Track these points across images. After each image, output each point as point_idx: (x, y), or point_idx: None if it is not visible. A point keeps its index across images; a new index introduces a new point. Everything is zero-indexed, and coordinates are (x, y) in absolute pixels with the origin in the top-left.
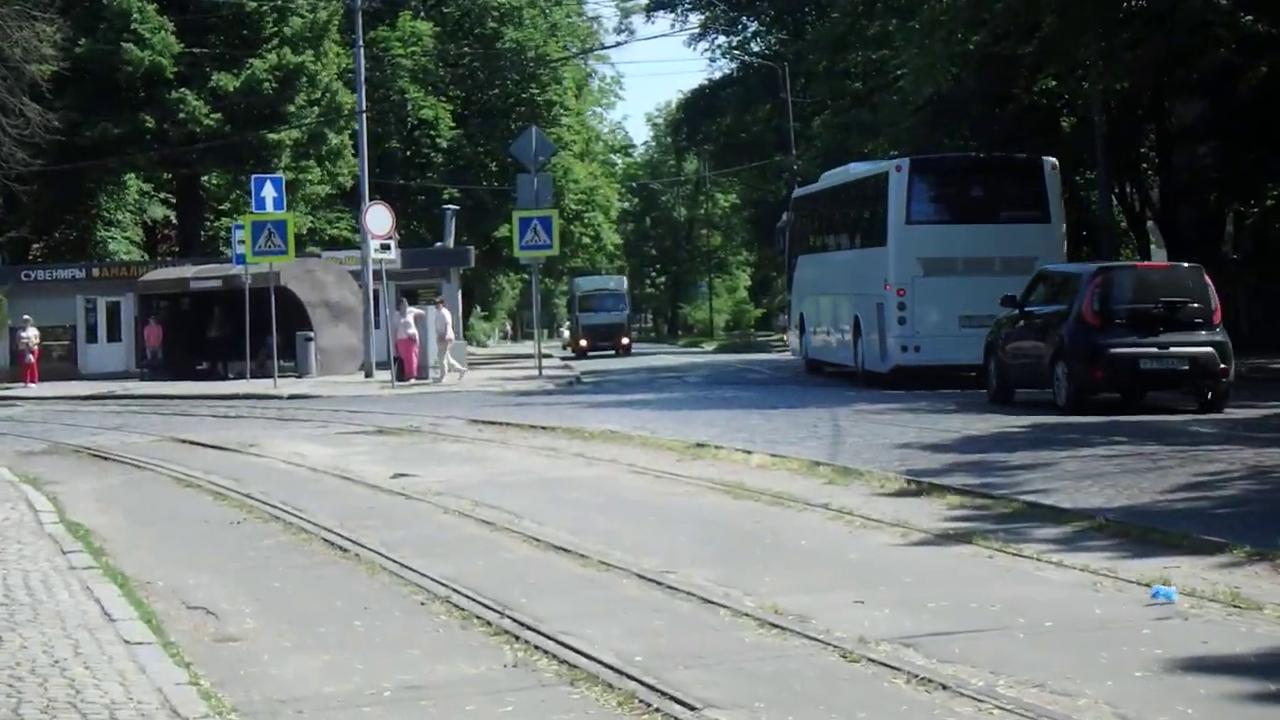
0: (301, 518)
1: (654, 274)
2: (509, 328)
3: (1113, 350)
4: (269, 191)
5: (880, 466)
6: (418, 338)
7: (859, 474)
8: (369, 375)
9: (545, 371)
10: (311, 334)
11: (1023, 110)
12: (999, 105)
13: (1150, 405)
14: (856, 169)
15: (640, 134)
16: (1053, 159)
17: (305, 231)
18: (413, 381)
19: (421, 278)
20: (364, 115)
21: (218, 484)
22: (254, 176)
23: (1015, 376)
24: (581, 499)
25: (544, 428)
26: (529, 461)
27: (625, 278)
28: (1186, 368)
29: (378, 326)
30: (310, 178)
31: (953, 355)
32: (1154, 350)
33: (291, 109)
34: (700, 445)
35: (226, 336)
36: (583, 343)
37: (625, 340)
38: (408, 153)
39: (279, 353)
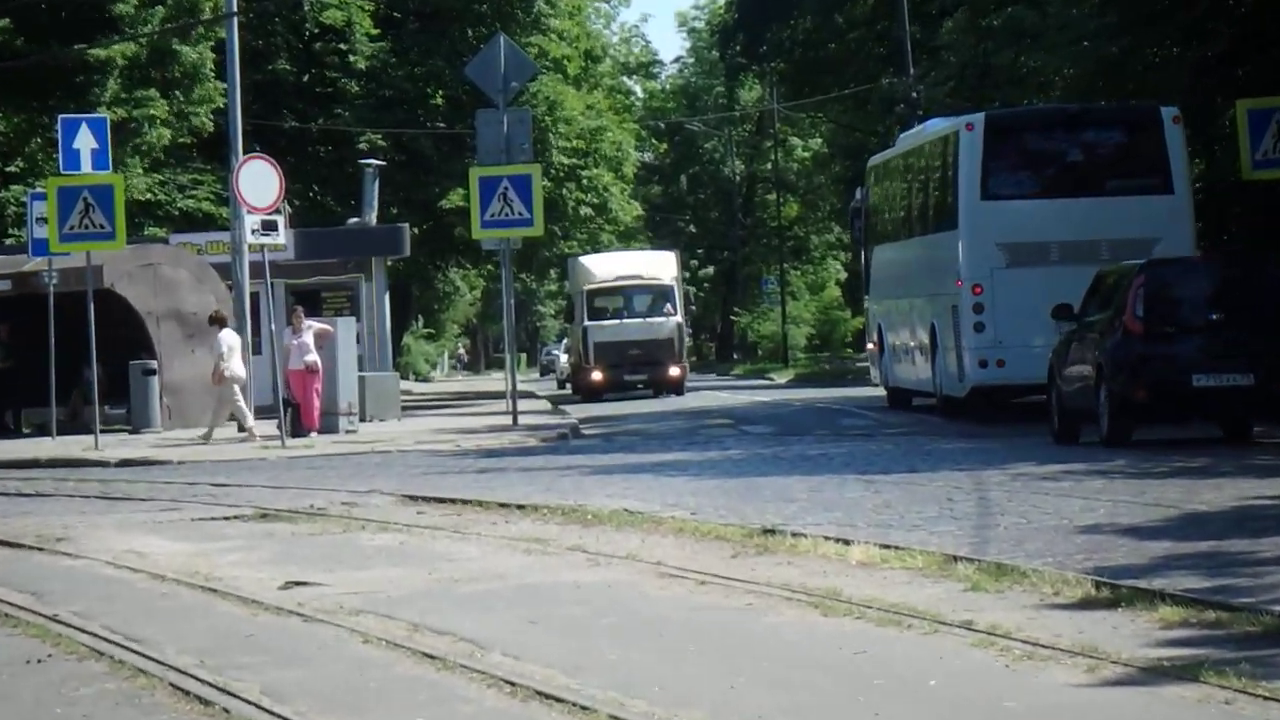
0: (139, 652)
1: (694, 265)
2: (463, 352)
3: (1160, 363)
4: (85, 140)
5: (1054, 562)
6: (320, 367)
7: (1020, 574)
8: (244, 428)
9: (523, 419)
10: (154, 364)
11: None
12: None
13: None
14: (933, 126)
15: (670, 45)
16: (1174, 108)
17: (144, 202)
18: (313, 435)
19: (327, 273)
20: (235, 17)
21: (5, 601)
22: (61, 117)
23: (1073, 408)
24: (582, 619)
25: (522, 506)
26: (499, 560)
27: (674, 255)
28: (1251, 381)
29: (258, 351)
30: (151, 114)
31: (1045, 371)
32: (1210, 363)
33: (121, 8)
34: (769, 532)
35: (18, 369)
36: (596, 376)
37: (675, 370)
38: (305, 77)
39: (103, 394)
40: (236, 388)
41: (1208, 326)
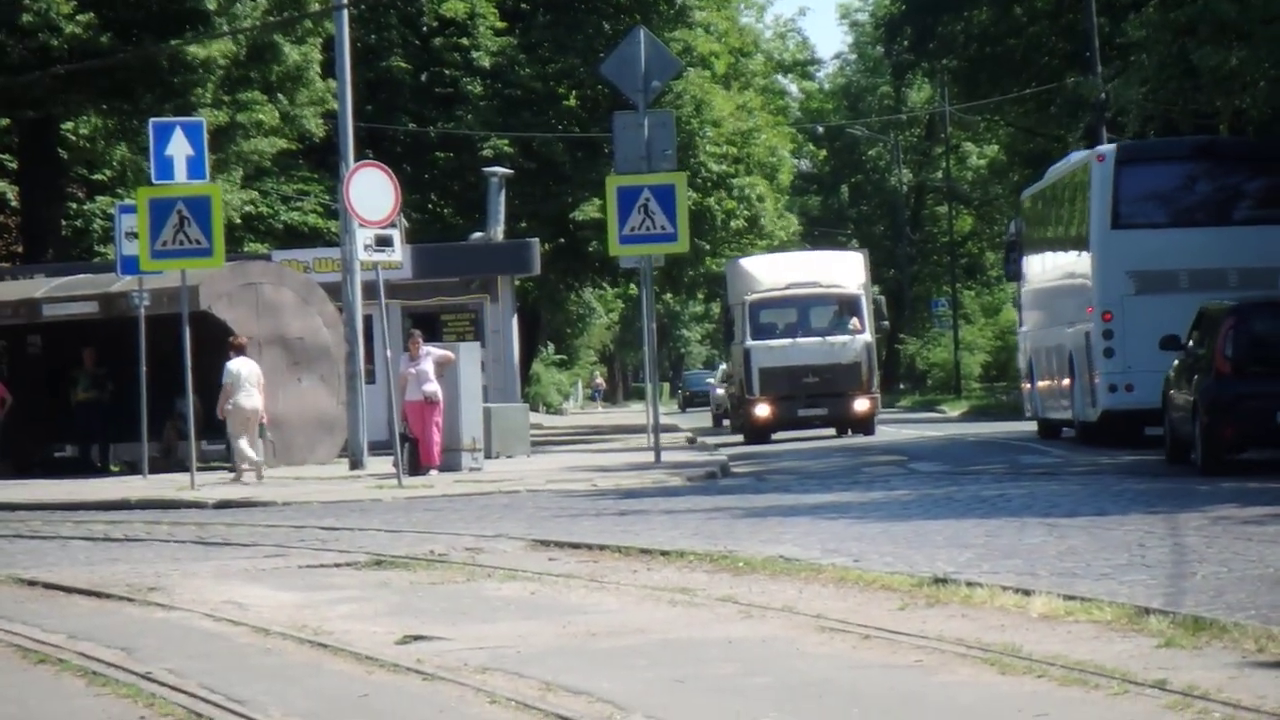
0: (241, 714)
1: None
2: (600, 381)
3: (1247, 402)
4: (180, 146)
5: (1258, 615)
6: (441, 398)
7: (1220, 629)
8: (356, 465)
9: (666, 455)
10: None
11: None
12: None
13: None
14: (1075, 158)
15: (830, 40)
16: None
17: (244, 216)
18: (433, 474)
19: (448, 294)
20: (345, 11)
21: (94, 657)
22: (153, 121)
23: (1180, 435)
24: (733, 678)
25: (666, 553)
26: (640, 613)
27: (861, 257)
28: None
29: (372, 380)
30: (252, 119)
31: None
32: None
33: (215, 4)
34: (940, 582)
35: (105, 400)
36: (761, 410)
37: (864, 404)
38: (423, 76)
39: (199, 428)
40: (236, 422)
41: None
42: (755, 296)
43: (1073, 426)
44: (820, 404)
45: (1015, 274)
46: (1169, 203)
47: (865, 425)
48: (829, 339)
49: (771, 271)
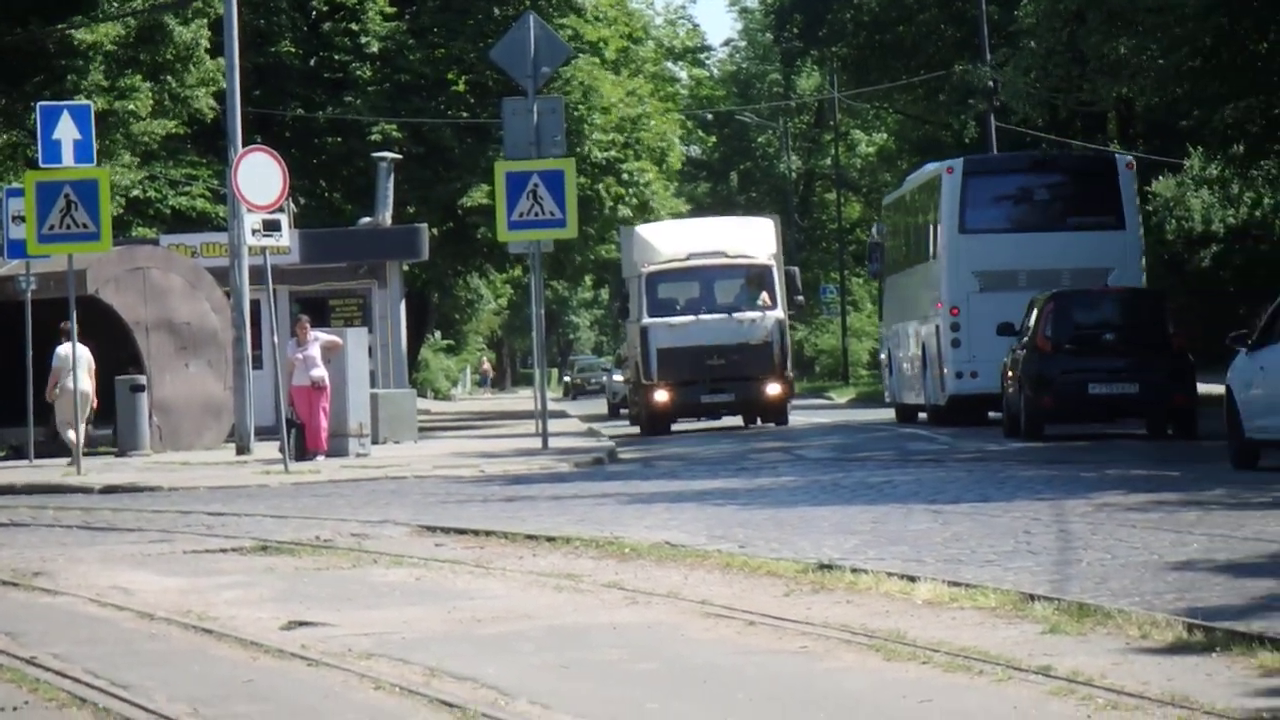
0: (126, 700)
1: None
2: (488, 367)
3: (1064, 376)
4: (67, 130)
5: (1141, 602)
6: (328, 383)
7: (1104, 615)
8: (243, 450)
9: (554, 441)
10: (143, 379)
11: None
12: None
13: None
14: (928, 169)
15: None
16: (1128, 156)
17: (131, 199)
18: (320, 459)
19: (336, 279)
20: None
21: None
22: (40, 105)
23: (1015, 407)
24: (619, 663)
25: (552, 539)
26: (526, 598)
27: (772, 224)
28: (1136, 392)
29: (259, 366)
30: (138, 106)
31: None
32: (1103, 375)
33: None
34: (826, 567)
35: None
36: (660, 396)
37: (775, 388)
38: (311, 61)
39: (90, 414)
40: (63, 407)
41: (1103, 345)
42: (653, 268)
43: (925, 410)
44: (727, 389)
45: (878, 273)
46: (1010, 210)
47: (778, 413)
48: (736, 316)
49: (672, 240)
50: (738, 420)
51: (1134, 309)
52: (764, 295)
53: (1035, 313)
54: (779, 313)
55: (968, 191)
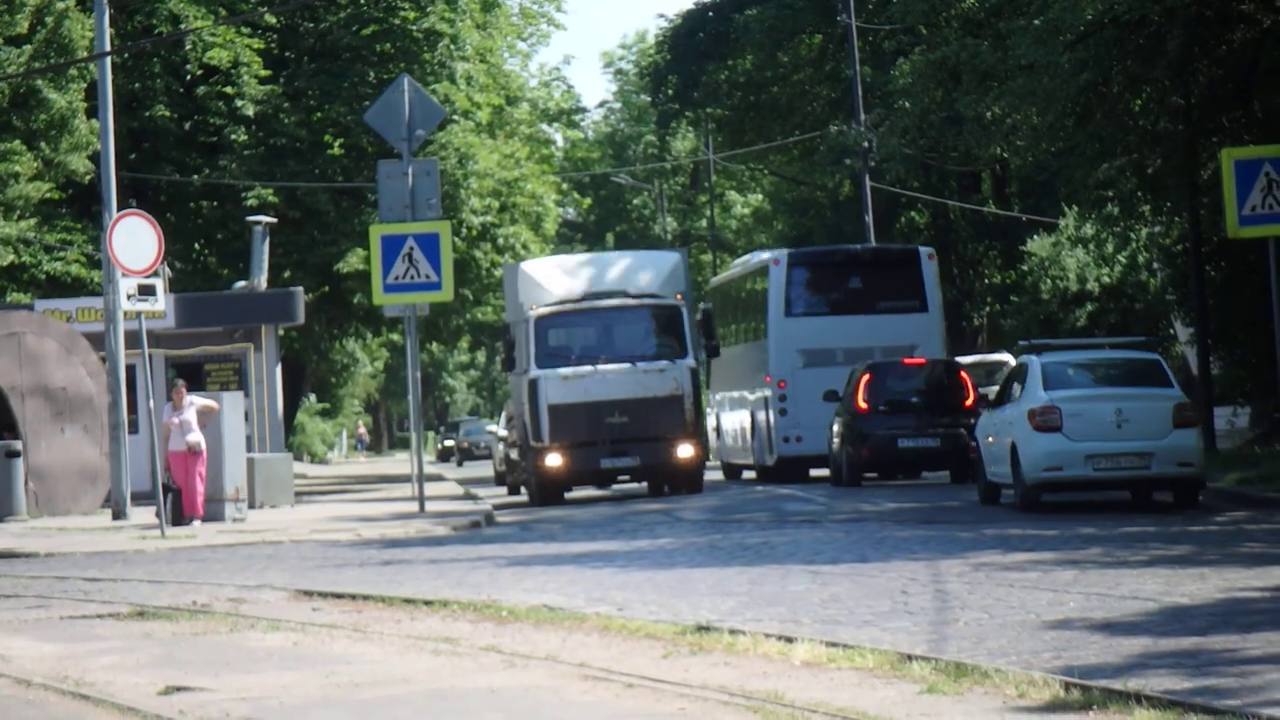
0: None
1: None
2: (364, 431)
3: (877, 433)
4: None
5: (1019, 661)
6: (204, 447)
7: (982, 674)
8: (120, 515)
9: (431, 505)
10: (18, 445)
11: (1263, 36)
12: (1217, 30)
13: None
14: (756, 258)
15: (595, 88)
16: (929, 249)
17: (6, 265)
18: (196, 524)
19: (211, 343)
20: (108, 59)
21: None
22: None
23: (839, 460)
24: None
25: (429, 602)
26: (404, 662)
27: (679, 257)
28: (937, 445)
29: (135, 430)
30: (15, 168)
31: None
32: (910, 431)
33: None
34: (704, 629)
35: None
36: (552, 460)
37: (687, 450)
38: (186, 125)
39: None
40: None
41: (910, 407)
42: (543, 310)
43: (753, 469)
44: (630, 452)
45: (713, 350)
46: (828, 297)
47: (690, 479)
48: (641, 365)
49: (564, 278)
50: (643, 487)
51: (936, 376)
52: (673, 341)
53: (854, 380)
54: (690, 361)
55: (792, 280)
